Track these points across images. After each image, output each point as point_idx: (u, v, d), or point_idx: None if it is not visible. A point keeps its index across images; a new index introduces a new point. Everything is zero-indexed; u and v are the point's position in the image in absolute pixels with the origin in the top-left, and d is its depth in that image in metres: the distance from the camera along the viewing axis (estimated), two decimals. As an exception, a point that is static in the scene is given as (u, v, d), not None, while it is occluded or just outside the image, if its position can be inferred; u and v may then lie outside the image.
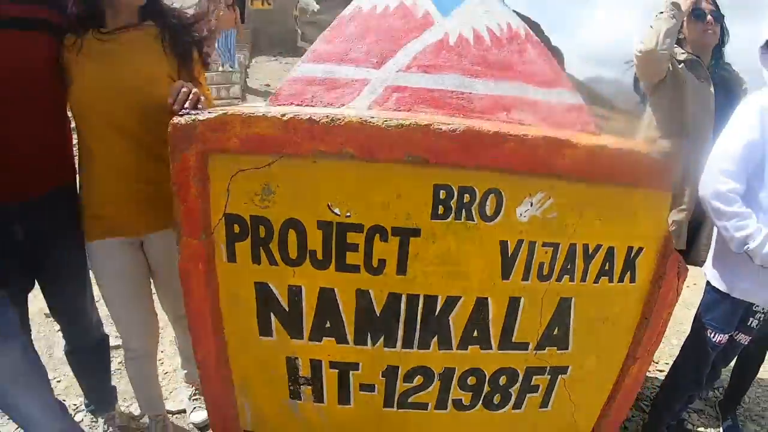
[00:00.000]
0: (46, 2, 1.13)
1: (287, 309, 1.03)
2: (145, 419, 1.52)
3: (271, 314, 1.05)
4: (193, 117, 0.94)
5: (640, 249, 1.07)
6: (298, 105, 1.05)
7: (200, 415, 1.52)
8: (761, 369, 1.68)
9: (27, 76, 1.10)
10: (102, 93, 1.13)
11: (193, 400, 1.57)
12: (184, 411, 1.56)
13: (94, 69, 1.13)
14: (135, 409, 1.57)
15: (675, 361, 1.50)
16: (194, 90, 1.04)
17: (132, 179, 1.19)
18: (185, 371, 1.61)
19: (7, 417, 1.18)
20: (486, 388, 1.13)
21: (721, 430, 1.73)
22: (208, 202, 0.98)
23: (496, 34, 1.17)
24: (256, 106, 1.03)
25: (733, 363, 1.69)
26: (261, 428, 1.23)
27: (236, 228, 0.98)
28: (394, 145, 0.89)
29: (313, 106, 1.04)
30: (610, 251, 1.04)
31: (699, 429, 1.74)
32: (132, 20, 1.18)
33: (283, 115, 0.90)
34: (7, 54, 1.06)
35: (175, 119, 0.95)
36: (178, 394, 1.62)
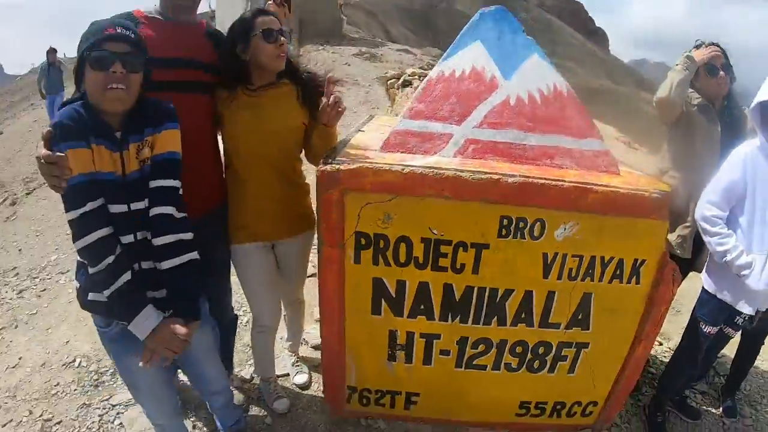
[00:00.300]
0: (209, 68, 1.82)
1: (394, 296, 1.76)
2: (255, 381, 2.30)
3: (382, 299, 1.78)
4: (336, 167, 1.66)
5: (644, 260, 1.76)
6: (403, 152, 1.76)
7: (302, 378, 2.29)
8: (765, 362, 2.38)
9: (205, 128, 1.81)
10: (255, 136, 1.81)
11: (295, 366, 2.34)
12: (287, 375, 2.33)
13: (247, 118, 1.80)
14: (245, 374, 2.36)
15: (677, 346, 2.23)
16: (334, 103, 1.71)
17: (270, 198, 1.88)
18: (290, 343, 2.38)
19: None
20: (529, 356, 1.86)
21: (720, 409, 2.47)
22: (343, 224, 1.69)
23: (544, 94, 1.86)
24: (374, 151, 1.74)
25: (734, 354, 2.41)
26: (362, 384, 1.99)
27: (363, 241, 1.70)
28: (476, 191, 1.59)
29: (413, 154, 1.75)
30: (621, 261, 1.74)
31: (702, 407, 2.47)
32: (272, 79, 1.88)
33: (403, 169, 1.62)
34: (199, 114, 1.73)
35: (321, 167, 1.66)
36: (281, 361, 2.39)
